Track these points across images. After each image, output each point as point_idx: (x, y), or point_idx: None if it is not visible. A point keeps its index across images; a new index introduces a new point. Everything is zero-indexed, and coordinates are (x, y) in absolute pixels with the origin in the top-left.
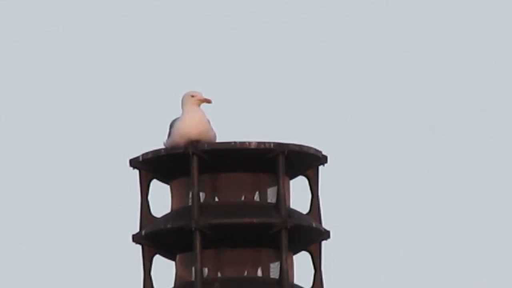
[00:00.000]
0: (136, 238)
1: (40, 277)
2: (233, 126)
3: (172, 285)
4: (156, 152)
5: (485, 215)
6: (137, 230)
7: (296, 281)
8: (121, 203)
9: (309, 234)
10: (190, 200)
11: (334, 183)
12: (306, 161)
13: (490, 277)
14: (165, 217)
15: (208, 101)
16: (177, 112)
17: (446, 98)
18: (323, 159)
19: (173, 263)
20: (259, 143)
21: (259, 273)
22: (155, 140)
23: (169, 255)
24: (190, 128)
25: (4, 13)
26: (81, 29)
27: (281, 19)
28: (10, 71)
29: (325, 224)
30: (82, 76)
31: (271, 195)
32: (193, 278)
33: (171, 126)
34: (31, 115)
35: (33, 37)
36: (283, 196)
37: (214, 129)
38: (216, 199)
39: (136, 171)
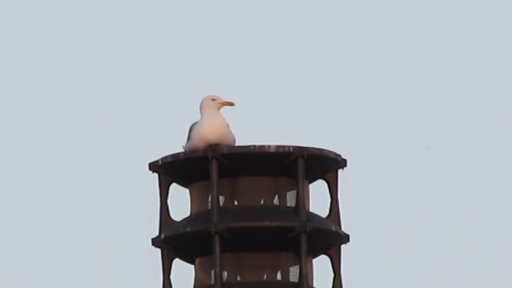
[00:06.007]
0: (155, 242)
1: (59, 280)
2: (252, 130)
3: None
4: (175, 156)
5: (507, 217)
6: (157, 233)
7: (315, 284)
8: (140, 207)
9: (328, 238)
10: (209, 204)
11: (354, 187)
12: (325, 165)
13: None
14: (185, 220)
15: (231, 104)
16: (196, 116)
17: (464, 103)
18: (342, 163)
19: (192, 266)
20: (278, 146)
21: (279, 276)
22: (175, 144)
23: (189, 259)
24: (210, 132)
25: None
26: (103, 32)
27: (302, 23)
28: (30, 73)
29: (345, 228)
30: (101, 79)
31: (290, 199)
32: (212, 282)
33: (191, 129)
34: (49, 118)
35: (55, 38)
36: (302, 199)
37: (233, 133)
38: (236, 203)
39: (156, 175)
